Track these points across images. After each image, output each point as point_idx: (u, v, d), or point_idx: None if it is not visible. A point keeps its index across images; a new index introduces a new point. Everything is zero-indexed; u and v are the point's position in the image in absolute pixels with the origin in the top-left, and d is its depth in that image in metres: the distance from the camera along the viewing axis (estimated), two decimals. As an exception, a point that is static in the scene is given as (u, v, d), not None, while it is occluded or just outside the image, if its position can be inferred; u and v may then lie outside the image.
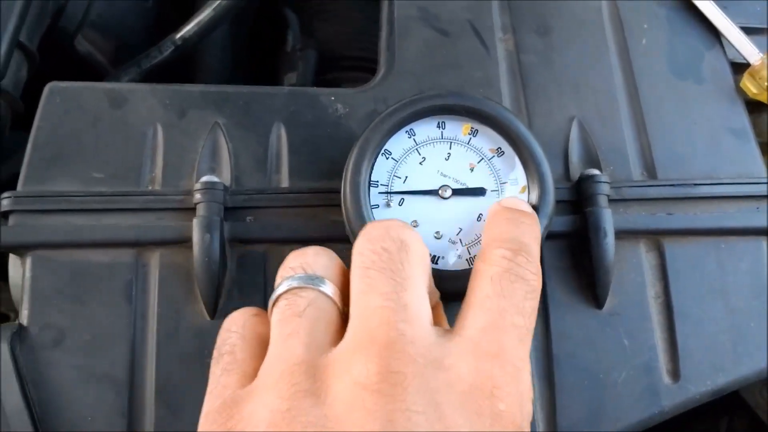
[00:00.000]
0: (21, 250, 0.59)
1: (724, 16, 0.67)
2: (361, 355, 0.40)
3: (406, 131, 0.57)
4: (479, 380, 0.41)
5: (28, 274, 0.58)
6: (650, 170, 0.63)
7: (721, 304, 0.59)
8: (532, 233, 0.49)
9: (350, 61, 0.83)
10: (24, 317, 0.57)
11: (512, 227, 0.49)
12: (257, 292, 0.58)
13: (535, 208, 0.54)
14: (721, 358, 0.58)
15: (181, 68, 0.77)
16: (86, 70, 0.79)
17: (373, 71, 0.70)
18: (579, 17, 0.69)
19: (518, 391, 0.42)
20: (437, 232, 0.55)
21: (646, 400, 0.57)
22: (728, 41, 0.68)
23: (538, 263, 0.47)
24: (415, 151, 0.56)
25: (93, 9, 0.76)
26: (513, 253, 0.46)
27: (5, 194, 0.59)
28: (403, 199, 0.55)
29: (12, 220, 0.59)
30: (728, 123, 0.65)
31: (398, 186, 0.56)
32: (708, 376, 0.58)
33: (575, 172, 0.62)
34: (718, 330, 0.59)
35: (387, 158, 0.56)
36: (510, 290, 0.44)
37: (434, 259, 0.54)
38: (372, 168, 0.55)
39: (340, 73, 0.82)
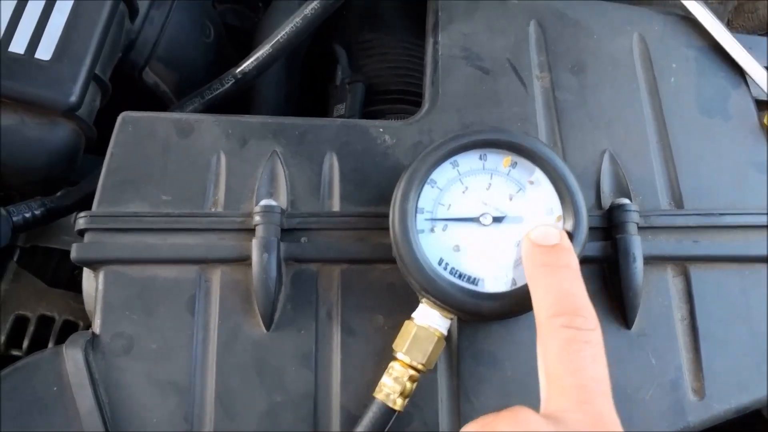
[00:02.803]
0: (94, 265, 0.64)
1: (750, 56, 0.71)
2: None
3: (451, 163, 0.61)
4: None
5: (100, 287, 0.63)
6: (677, 200, 0.67)
7: (745, 327, 0.63)
8: (571, 272, 0.53)
9: (395, 95, 0.88)
10: (96, 326, 0.62)
11: (552, 278, 0.53)
12: (309, 306, 0.63)
13: (570, 235, 0.58)
14: (745, 378, 0.62)
15: (238, 100, 0.82)
16: (152, 100, 0.85)
17: (415, 104, 0.74)
18: (611, 57, 0.73)
19: None
20: (478, 257, 0.59)
21: (672, 417, 0.60)
22: (753, 80, 0.71)
23: (589, 303, 0.51)
24: (459, 180, 0.61)
25: (160, 44, 0.82)
26: (569, 319, 0.50)
27: (81, 214, 0.65)
28: (446, 225, 0.60)
29: (87, 237, 0.64)
30: (752, 157, 0.69)
31: (442, 213, 0.60)
32: (732, 394, 0.61)
33: (606, 201, 0.66)
34: (742, 352, 0.62)
35: (432, 187, 0.60)
36: (579, 362, 0.48)
37: (475, 282, 0.58)
38: (419, 196, 0.60)
39: (385, 105, 0.87)
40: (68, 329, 0.76)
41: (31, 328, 0.76)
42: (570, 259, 0.54)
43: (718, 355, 0.62)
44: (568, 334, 0.49)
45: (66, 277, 0.80)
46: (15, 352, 0.76)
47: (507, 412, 0.48)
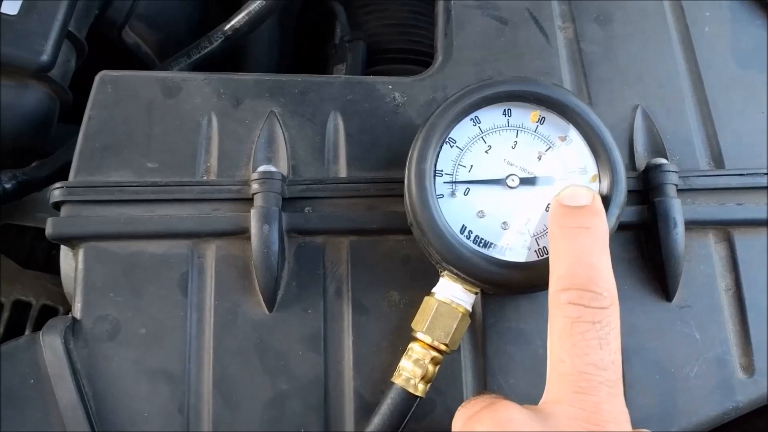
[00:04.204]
0: (73, 241, 0.58)
1: (789, 2, 0.66)
2: None
3: (471, 119, 0.55)
4: None
5: (81, 265, 0.57)
6: (717, 160, 0.61)
7: (794, 296, 0.58)
8: (595, 237, 0.47)
9: (397, 53, 0.83)
10: (77, 310, 0.56)
11: (572, 242, 0.47)
12: (316, 284, 0.57)
13: (607, 198, 0.52)
14: (797, 352, 0.57)
15: (228, 60, 0.76)
16: (134, 63, 0.79)
17: (420, 63, 0.69)
18: (639, 5, 0.67)
19: None
20: (504, 223, 0.53)
21: (719, 395, 0.56)
22: (793, 28, 0.66)
23: (609, 276, 0.46)
24: (481, 139, 0.55)
25: (140, 1, 0.76)
26: (578, 294, 0.44)
27: (57, 185, 0.59)
28: (468, 188, 0.54)
29: (64, 211, 0.58)
30: (794, 112, 0.63)
31: (463, 175, 0.54)
32: (785, 371, 0.56)
33: (641, 161, 0.60)
34: (793, 323, 0.57)
35: (451, 146, 0.54)
36: (583, 346, 0.43)
37: (501, 251, 0.53)
38: (437, 156, 0.54)
39: (388, 65, 0.82)
40: (47, 315, 0.71)
41: (5, 315, 0.71)
42: (595, 221, 0.48)
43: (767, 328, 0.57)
44: (574, 312, 0.44)
45: (42, 258, 0.75)
46: (-12, 342, 0.70)
47: (488, 409, 0.44)
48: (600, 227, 0.48)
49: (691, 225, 0.58)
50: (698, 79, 0.64)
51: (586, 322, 0.44)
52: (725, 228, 0.59)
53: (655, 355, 0.56)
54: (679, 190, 0.58)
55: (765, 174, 0.59)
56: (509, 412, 0.43)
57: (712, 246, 0.59)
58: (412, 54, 0.81)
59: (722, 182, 0.59)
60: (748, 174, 0.60)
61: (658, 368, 0.56)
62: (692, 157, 0.61)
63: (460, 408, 0.48)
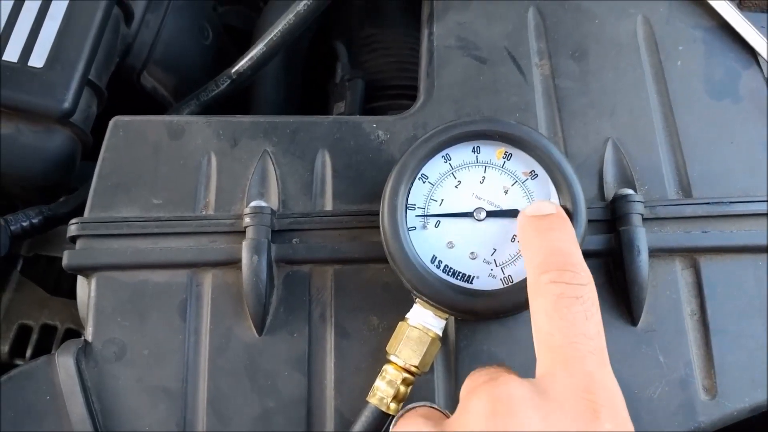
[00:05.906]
0: (86, 271, 0.63)
1: (761, 35, 0.68)
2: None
3: (442, 156, 0.59)
4: (581, 409, 0.43)
5: (92, 293, 0.63)
6: (685, 189, 0.64)
7: (759, 320, 0.59)
8: (564, 233, 0.51)
9: (398, 90, 0.86)
10: (89, 334, 0.62)
11: (544, 238, 0.50)
12: (302, 309, 0.61)
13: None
14: (759, 374, 0.58)
15: (238, 100, 0.81)
16: (152, 105, 0.84)
17: (418, 99, 0.72)
18: (614, 41, 0.70)
19: (617, 408, 0.44)
20: (472, 253, 0.57)
21: (682, 416, 0.58)
22: (765, 60, 0.68)
23: (582, 261, 0.49)
24: (451, 175, 0.59)
25: (156, 48, 0.82)
26: (558, 273, 0.48)
27: (73, 221, 0.64)
28: (439, 221, 0.58)
29: (79, 244, 0.64)
30: (765, 141, 0.65)
31: (434, 209, 0.58)
32: (746, 392, 0.58)
33: (609, 192, 0.63)
34: (756, 346, 0.59)
35: (424, 182, 0.58)
36: (570, 319, 0.46)
37: (469, 279, 0.56)
38: (409, 191, 0.58)
39: (388, 101, 0.86)
40: (71, 337, 0.75)
41: (34, 337, 0.76)
42: (563, 224, 0.52)
43: (730, 351, 0.59)
44: (557, 289, 0.47)
45: (68, 286, 0.80)
46: (19, 362, 0.75)
47: (488, 384, 0.46)
48: (568, 228, 0.52)
49: (658, 252, 0.60)
50: (670, 112, 0.67)
51: (569, 297, 0.46)
52: (691, 255, 0.61)
53: (620, 377, 0.56)
54: (645, 219, 0.61)
55: (730, 202, 0.62)
56: (508, 387, 0.44)
57: (679, 272, 0.61)
58: (412, 90, 0.84)
59: (689, 211, 0.62)
60: (714, 202, 0.62)
61: (623, 390, 0.56)
62: (661, 186, 0.64)
63: (468, 378, 0.49)
